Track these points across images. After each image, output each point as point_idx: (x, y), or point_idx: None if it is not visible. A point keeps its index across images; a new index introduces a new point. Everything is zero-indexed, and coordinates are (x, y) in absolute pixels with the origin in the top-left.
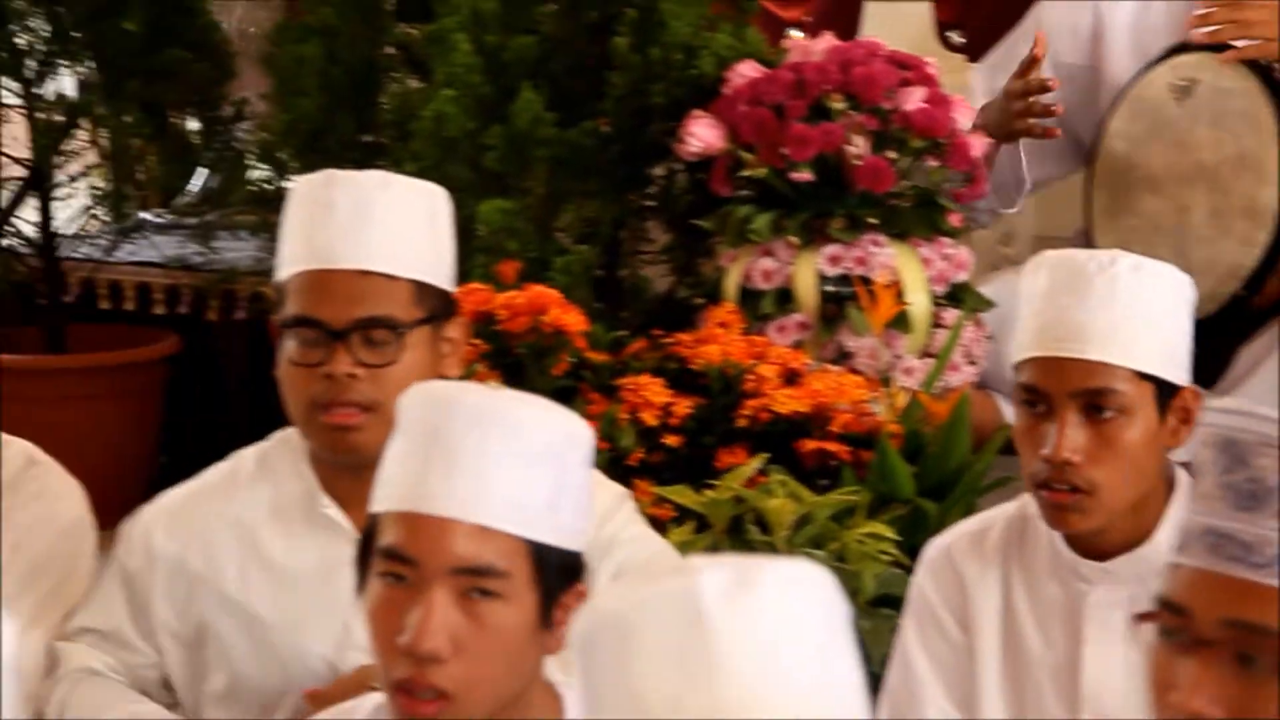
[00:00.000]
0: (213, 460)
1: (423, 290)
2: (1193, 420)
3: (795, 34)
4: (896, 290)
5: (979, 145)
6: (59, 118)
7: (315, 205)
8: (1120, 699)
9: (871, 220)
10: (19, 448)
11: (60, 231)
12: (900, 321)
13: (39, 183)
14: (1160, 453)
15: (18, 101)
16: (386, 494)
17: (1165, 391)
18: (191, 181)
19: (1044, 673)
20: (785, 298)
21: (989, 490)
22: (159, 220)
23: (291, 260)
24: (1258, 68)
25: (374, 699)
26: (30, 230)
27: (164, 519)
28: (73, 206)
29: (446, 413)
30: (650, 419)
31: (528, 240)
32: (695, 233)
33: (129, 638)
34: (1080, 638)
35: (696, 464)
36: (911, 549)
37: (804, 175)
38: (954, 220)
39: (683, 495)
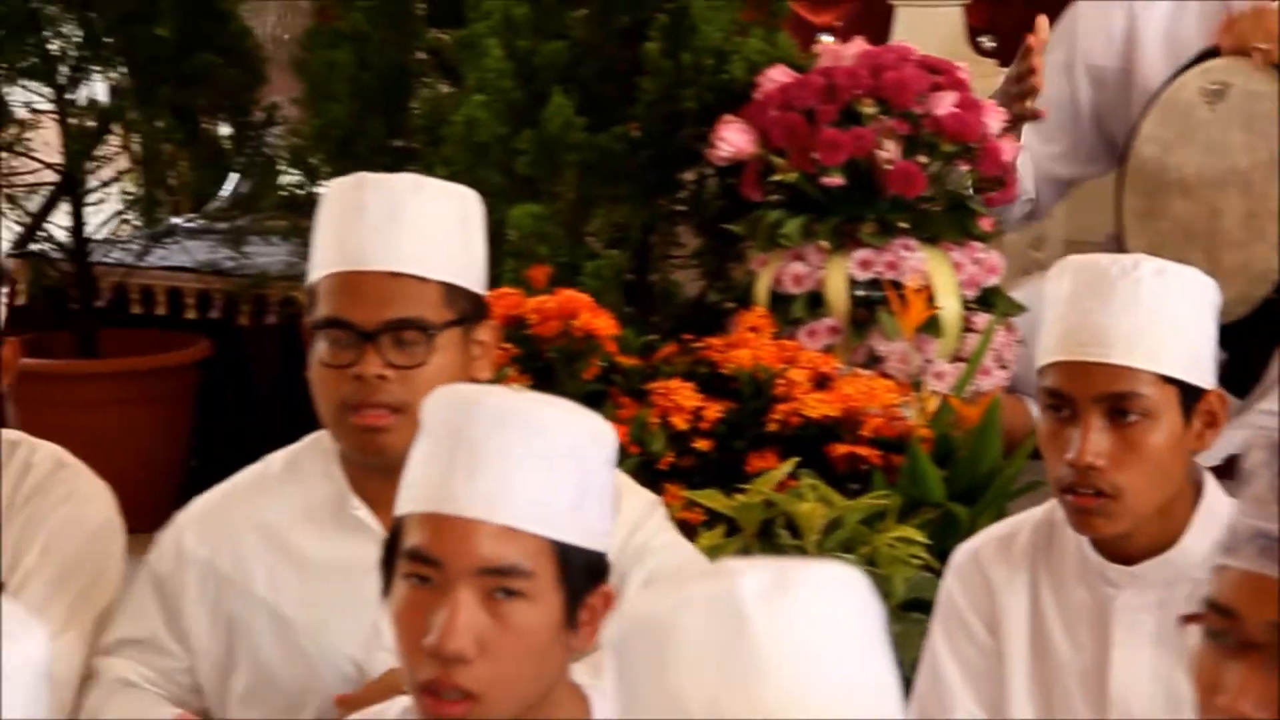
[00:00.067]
0: (243, 465)
1: (453, 292)
2: (1218, 424)
3: (826, 39)
4: (927, 294)
5: (1010, 150)
6: (91, 123)
7: (346, 208)
8: (1148, 702)
9: (902, 225)
10: (48, 451)
11: (92, 237)
12: (931, 326)
13: (71, 188)
14: (1186, 456)
15: (50, 107)
16: (411, 496)
17: (1190, 395)
18: (223, 186)
19: (1072, 677)
20: (816, 302)
21: (1020, 494)
22: (190, 225)
23: (323, 262)
24: None
25: (402, 701)
26: (62, 235)
27: (194, 523)
28: (105, 212)
29: (469, 414)
30: (681, 423)
31: (558, 245)
32: (726, 237)
33: (164, 643)
34: (1108, 642)
35: (727, 468)
36: (942, 553)
37: (835, 180)
38: (985, 224)
39: (713, 499)
